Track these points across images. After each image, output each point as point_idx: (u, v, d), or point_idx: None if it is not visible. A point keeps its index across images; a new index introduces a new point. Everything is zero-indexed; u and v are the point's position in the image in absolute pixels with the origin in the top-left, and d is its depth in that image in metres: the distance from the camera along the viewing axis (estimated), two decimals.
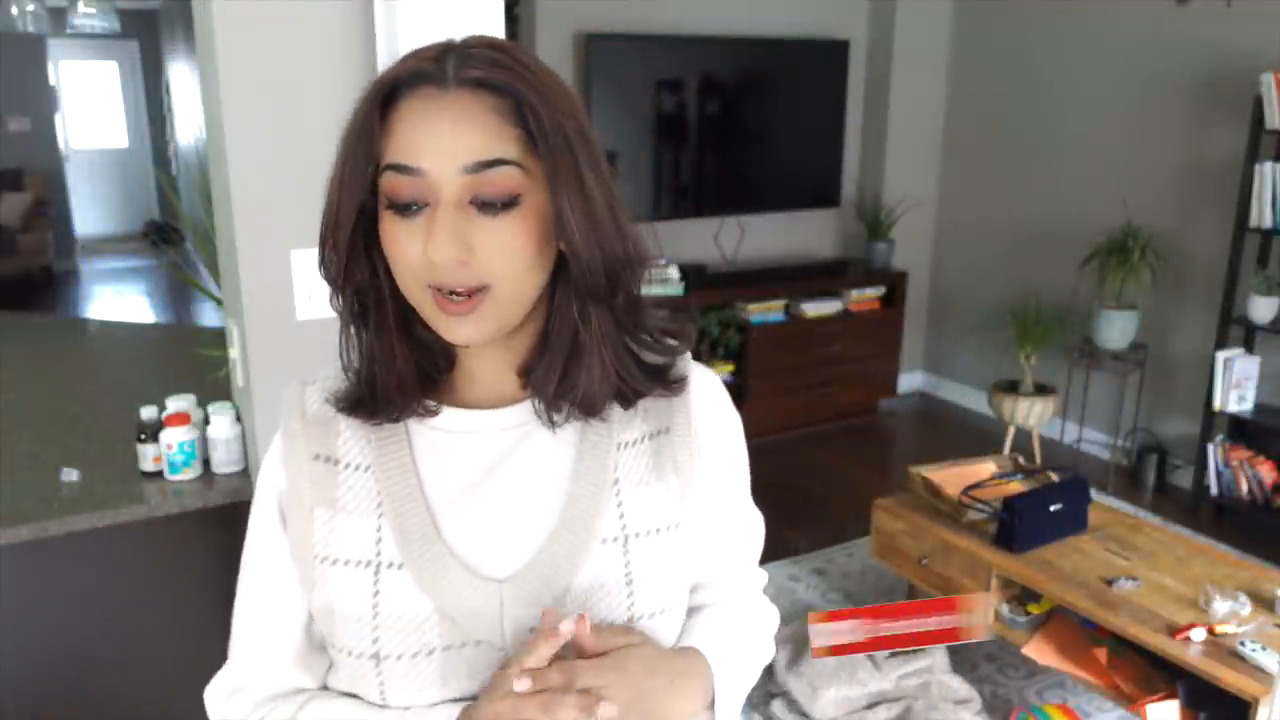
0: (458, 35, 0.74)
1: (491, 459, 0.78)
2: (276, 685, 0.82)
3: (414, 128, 0.69)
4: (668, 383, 0.82)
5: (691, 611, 0.88)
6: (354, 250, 0.73)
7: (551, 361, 0.77)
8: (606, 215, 0.73)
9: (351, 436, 0.79)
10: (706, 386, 0.86)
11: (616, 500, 0.79)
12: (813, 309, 4.74)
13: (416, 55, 0.72)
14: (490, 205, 0.69)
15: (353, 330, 0.77)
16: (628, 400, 0.80)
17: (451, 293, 0.70)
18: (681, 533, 0.82)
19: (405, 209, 0.70)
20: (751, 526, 0.93)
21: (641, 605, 0.79)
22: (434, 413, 0.79)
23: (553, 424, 0.78)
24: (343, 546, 0.77)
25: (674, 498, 0.81)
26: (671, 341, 0.84)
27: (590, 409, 0.78)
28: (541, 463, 0.79)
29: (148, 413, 1.89)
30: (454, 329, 0.71)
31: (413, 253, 0.70)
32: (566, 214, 0.71)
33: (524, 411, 0.80)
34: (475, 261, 0.69)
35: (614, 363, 0.78)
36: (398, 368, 0.76)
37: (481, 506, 0.78)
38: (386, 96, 0.71)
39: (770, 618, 0.96)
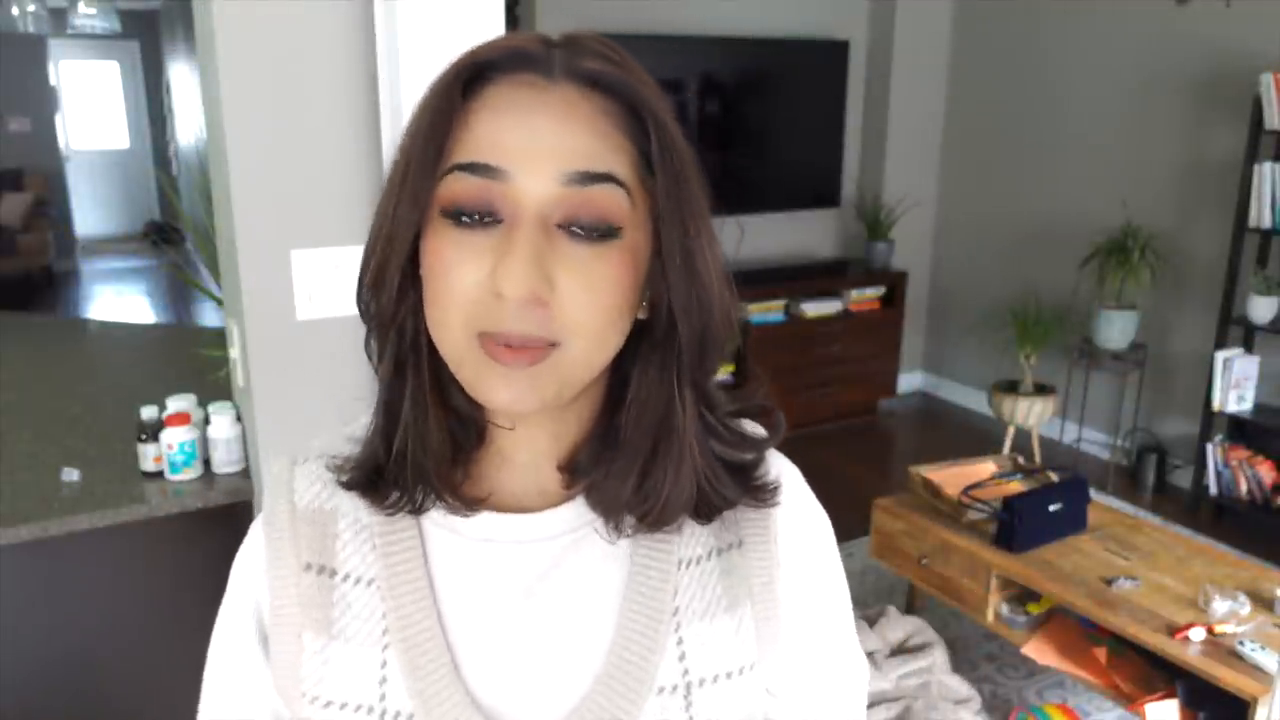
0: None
1: (529, 577, 0.61)
2: None
3: (502, 120, 0.53)
4: (754, 489, 0.63)
5: None
6: (404, 279, 0.57)
7: (628, 462, 0.60)
8: (719, 267, 0.59)
9: (352, 539, 0.62)
10: (789, 483, 0.66)
11: (676, 637, 0.62)
12: (813, 309, 4.74)
13: (510, 37, 0.57)
14: (584, 232, 0.53)
15: (392, 388, 0.60)
16: (707, 513, 0.62)
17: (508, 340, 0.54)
18: (756, 677, 0.64)
19: (469, 220, 0.53)
20: (853, 672, 0.71)
21: None
22: (472, 511, 0.61)
23: (615, 537, 0.61)
24: (339, 686, 0.60)
25: (748, 632, 0.63)
26: (756, 430, 0.66)
27: (664, 523, 0.60)
28: (587, 582, 0.62)
29: (148, 413, 1.89)
30: (500, 387, 0.54)
31: (469, 280, 0.53)
32: (691, 258, 0.56)
33: (572, 516, 0.62)
34: (553, 303, 0.53)
35: (701, 462, 0.61)
36: (433, 442, 0.59)
37: (514, 639, 0.61)
38: (470, 80, 0.55)
39: None
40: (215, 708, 0.66)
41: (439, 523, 0.62)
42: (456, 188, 0.53)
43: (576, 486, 0.62)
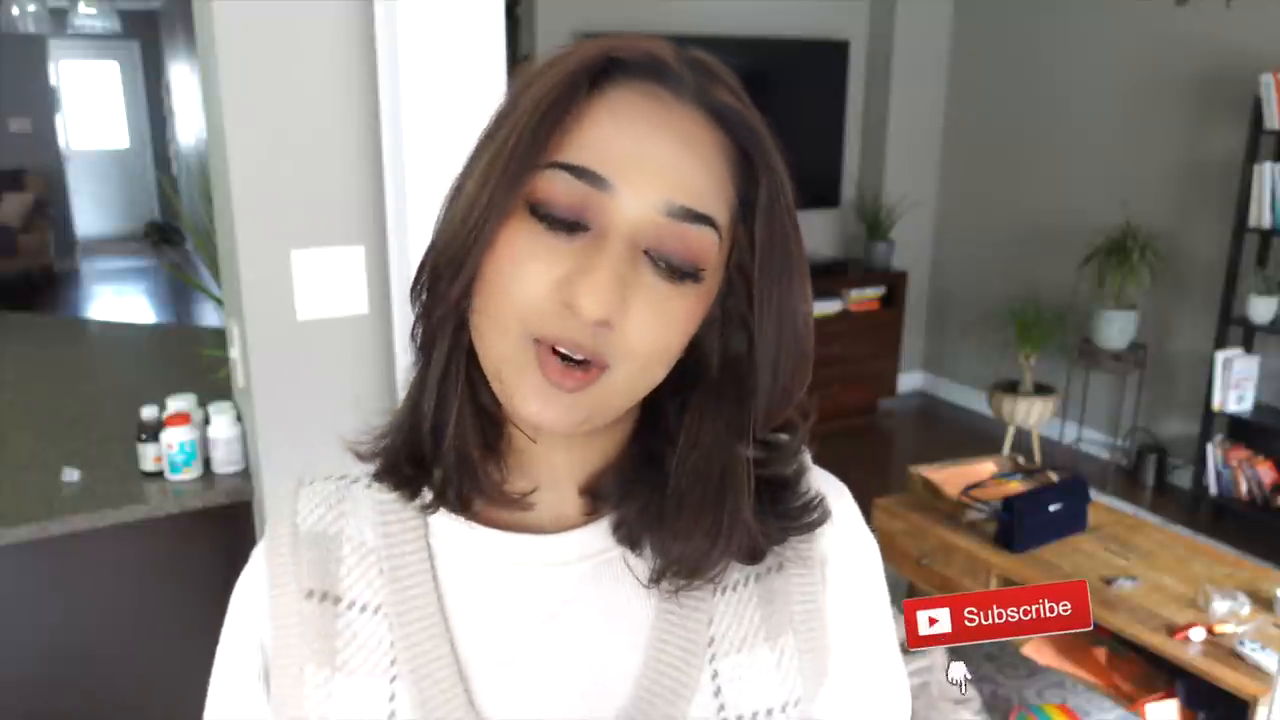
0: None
1: (550, 603, 0.57)
2: None
3: (619, 127, 0.50)
4: (795, 512, 0.59)
5: None
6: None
7: (689, 523, 0.55)
8: (810, 324, 0.55)
9: (357, 564, 0.58)
10: (834, 499, 0.62)
11: (711, 670, 0.57)
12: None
13: (647, 40, 0.53)
14: (670, 268, 0.51)
15: (430, 370, 0.57)
16: (750, 558, 0.58)
17: (564, 354, 0.50)
18: (800, 713, 0.59)
19: (556, 221, 0.50)
20: (897, 700, 0.64)
21: None
22: (521, 506, 0.58)
23: (653, 587, 0.57)
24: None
25: (790, 664, 0.58)
26: (779, 436, 0.60)
27: (708, 573, 0.56)
28: (613, 610, 0.58)
29: (148, 412, 1.89)
30: (533, 398, 0.51)
31: (539, 282, 0.49)
32: (793, 316, 0.54)
33: (594, 541, 0.58)
34: (620, 327, 0.50)
35: (752, 516, 0.56)
36: (465, 428, 0.56)
37: (533, 670, 0.57)
38: (597, 74, 0.51)
39: None
40: None
41: (449, 544, 0.58)
42: (552, 186, 0.50)
43: (599, 514, 0.59)
